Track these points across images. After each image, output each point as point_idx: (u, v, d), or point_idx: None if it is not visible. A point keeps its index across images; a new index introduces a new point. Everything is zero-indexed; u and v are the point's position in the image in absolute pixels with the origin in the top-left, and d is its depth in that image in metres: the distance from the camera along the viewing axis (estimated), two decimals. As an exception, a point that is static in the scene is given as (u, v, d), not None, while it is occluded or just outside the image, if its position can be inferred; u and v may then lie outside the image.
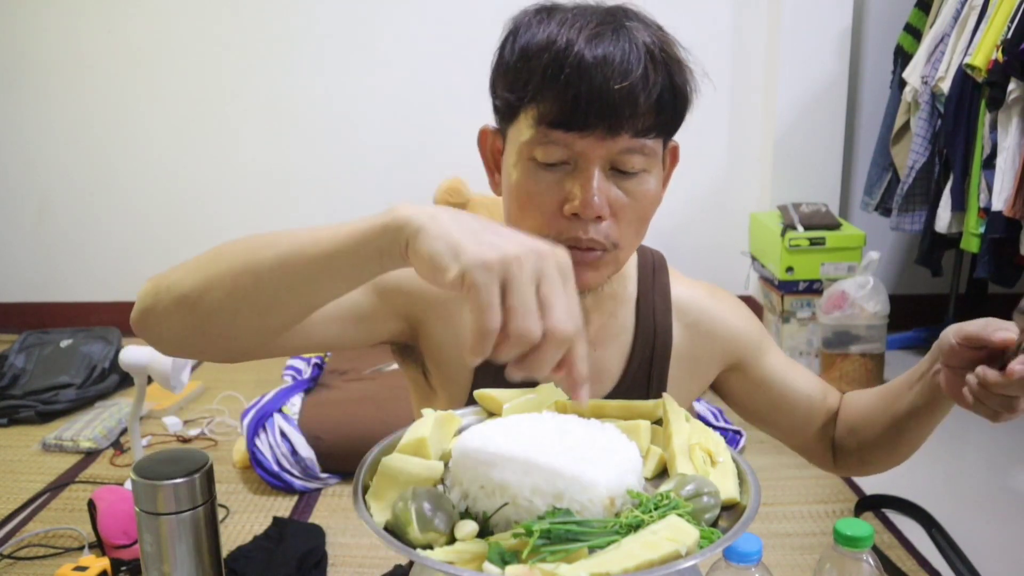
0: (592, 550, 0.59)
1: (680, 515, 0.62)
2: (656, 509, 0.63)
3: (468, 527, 0.62)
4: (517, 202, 0.83)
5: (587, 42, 0.76)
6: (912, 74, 2.78)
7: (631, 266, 0.96)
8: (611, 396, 0.94)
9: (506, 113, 0.83)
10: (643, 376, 0.95)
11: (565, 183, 0.80)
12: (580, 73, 0.75)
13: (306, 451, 2.24)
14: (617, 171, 0.81)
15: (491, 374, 0.89)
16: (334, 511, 2.14)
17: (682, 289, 0.98)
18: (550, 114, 0.77)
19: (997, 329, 0.76)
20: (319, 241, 0.63)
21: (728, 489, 0.69)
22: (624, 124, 0.77)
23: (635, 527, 0.62)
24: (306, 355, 2.73)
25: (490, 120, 0.89)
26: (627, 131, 0.77)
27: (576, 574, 0.56)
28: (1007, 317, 0.76)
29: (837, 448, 1.02)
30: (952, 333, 0.79)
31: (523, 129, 0.81)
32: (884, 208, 3.04)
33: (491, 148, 0.90)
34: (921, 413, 0.89)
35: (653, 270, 0.98)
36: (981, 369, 0.75)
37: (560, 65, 0.76)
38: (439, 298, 0.91)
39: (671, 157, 0.90)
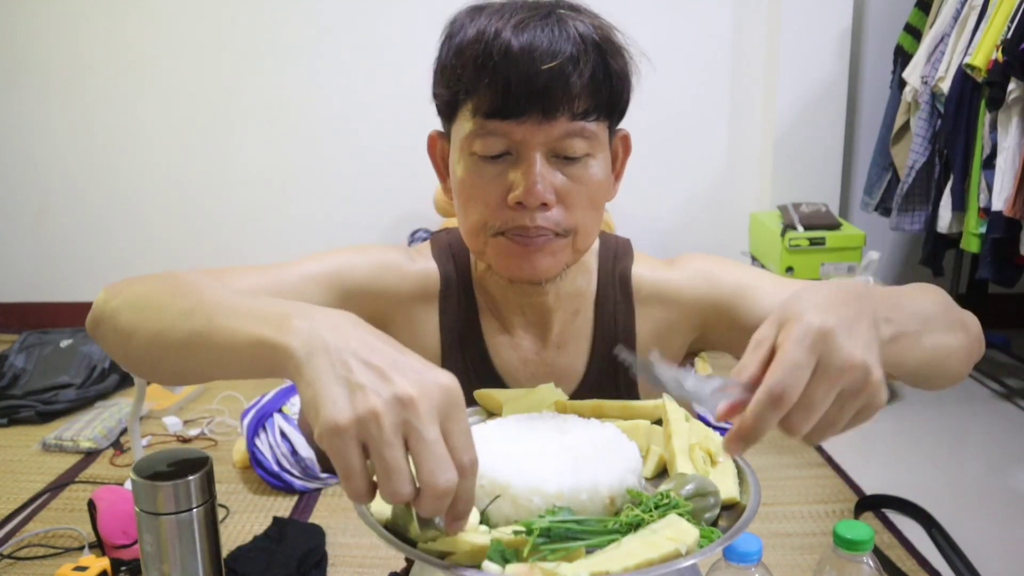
0: (592, 549, 0.59)
1: (680, 515, 0.62)
2: (656, 508, 0.63)
3: (471, 518, 0.62)
4: (462, 197, 0.83)
5: (513, 30, 0.76)
6: (912, 74, 2.78)
7: (592, 259, 0.95)
8: (577, 394, 0.92)
9: (446, 112, 0.84)
10: (609, 370, 0.93)
11: (508, 174, 0.80)
12: (508, 60, 0.75)
13: (306, 451, 2.24)
14: (560, 157, 0.80)
15: (460, 373, 0.89)
16: (334, 511, 2.14)
17: (641, 268, 0.95)
18: (485, 105, 0.78)
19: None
20: (220, 331, 0.62)
21: (728, 489, 0.69)
22: (559, 107, 0.76)
23: (635, 526, 0.62)
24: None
25: None
26: (563, 114, 0.77)
27: (576, 573, 0.56)
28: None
29: None
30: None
31: (463, 124, 0.81)
32: (884, 208, 3.04)
33: (440, 153, 0.90)
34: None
35: (614, 258, 0.96)
36: (730, 436, 0.58)
37: (489, 54, 0.76)
38: (403, 296, 0.91)
39: (623, 146, 0.89)
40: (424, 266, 0.93)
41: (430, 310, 0.92)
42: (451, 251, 0.95)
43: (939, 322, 0.71)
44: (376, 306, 0.90)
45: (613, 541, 0.60)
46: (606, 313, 0.94)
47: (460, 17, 0.82)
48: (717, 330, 0.93)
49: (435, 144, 0.90)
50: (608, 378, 0.94)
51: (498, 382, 0.92)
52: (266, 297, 0.66)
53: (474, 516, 0.62)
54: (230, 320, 0.62)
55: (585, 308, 0.94)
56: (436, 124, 0.90)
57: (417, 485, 0.53)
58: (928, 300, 0.72)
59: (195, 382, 0.72)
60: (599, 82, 0.78)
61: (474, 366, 0.92)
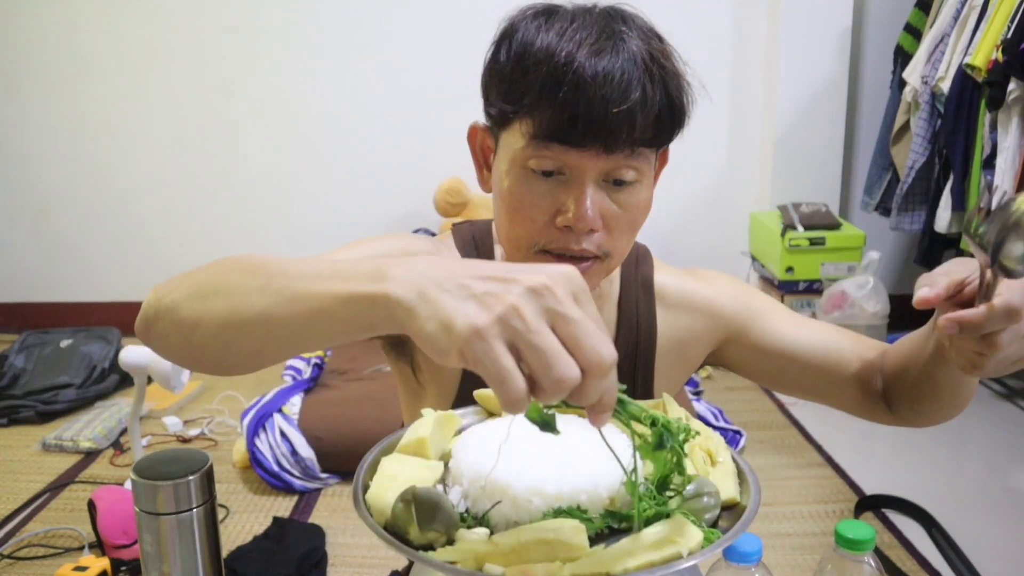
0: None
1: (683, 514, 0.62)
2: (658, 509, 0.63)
3: (479, 534, 0.62)
4: (508, 208, 0.83)
5: (587, 58, 0.75)
6: (912, 74, 2.78)
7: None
8: None
9: (500, 120, 0.83)
10: (629, 368, 0.96)
11: (558, 193, 0.80)
12: (578, 91, 0.74)
13: (306, 451, 2.24)
14: (611, 182, 0.80)
15: (478, 376, 0.89)
16: (334, 511, 2.14)
17: (663, 276, 0.98)
18: (546, 128, 0.77)
19: (960, 270, 0.70)
20: (307, 297, 0.58)
21: (728, 489, 0.69)
22: (621, 144, 0.77)
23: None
24: (306, 355, 2.73)
25: None
26: (623, 150, 0.77)
27: (576, 573, 0.56)
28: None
29: (891, 400, 0.94)
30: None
31: (517, 137, 0.80)
32: (884, 208, 3.04)
33: (481, 145, 0.89)
34: (942, 361, 0.81)
35: (636, 263, 0.98)
36: (956, 315, 0.65)
37: (559, 81, 0.75)
38: None
39: (661, 160, 0.90)
40: (449, 255, 0.94)
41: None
42: (475, 243, 0.96)
43: None
44: None
45: (615, 541, 0.60)
46: (628, 313, 0.96)
47: (523, 21, 0.80)
48: (735, 346, 0.97)
49: (476, 135, 0.89)
50: (626, 374, 0.95)
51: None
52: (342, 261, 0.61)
53: (482, 533, 0.62)
54: (314, 285, 0.58)
55: (608, 308, 0.96)
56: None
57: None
58: None
59: (271, 362, 0.67)
60: (663, 119, 0.79)
61: None
